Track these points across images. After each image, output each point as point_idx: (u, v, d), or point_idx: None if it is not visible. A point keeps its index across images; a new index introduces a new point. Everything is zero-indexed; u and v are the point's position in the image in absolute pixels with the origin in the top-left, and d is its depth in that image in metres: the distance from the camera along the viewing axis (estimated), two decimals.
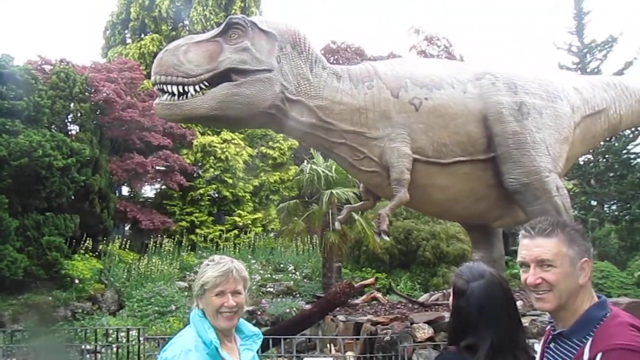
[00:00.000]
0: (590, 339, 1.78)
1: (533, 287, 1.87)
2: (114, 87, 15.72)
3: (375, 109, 6.40)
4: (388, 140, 6.37)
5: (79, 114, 15.22)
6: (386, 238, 6.29)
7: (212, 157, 18.35)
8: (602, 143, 15.56)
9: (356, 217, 12.94)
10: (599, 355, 1.70)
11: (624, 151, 17.81)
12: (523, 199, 6.73)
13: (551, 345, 1.92)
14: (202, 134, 19.34)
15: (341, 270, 14.15)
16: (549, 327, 2.02)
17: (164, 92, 5.81)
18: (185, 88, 5.76)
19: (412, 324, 6.74)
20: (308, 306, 10.30)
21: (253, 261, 15.66)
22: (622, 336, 1.72)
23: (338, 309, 8.47)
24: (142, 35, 23.24)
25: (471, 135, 6.70)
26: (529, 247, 1.90)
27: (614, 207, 18.51)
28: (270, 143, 20.07)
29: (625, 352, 1.67)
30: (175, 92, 5.75)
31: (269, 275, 15.13)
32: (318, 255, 15.34)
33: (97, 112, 15.67)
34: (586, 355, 1.75)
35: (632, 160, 17.72)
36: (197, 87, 5.79)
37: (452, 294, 2.15)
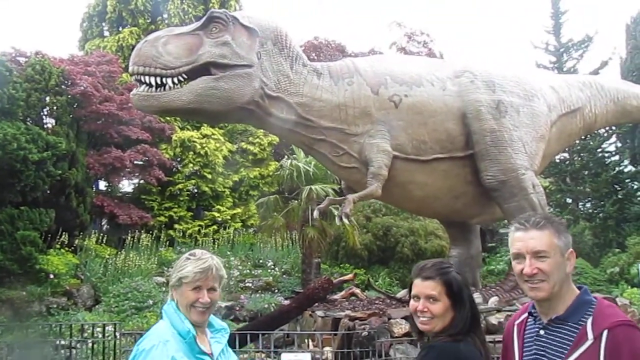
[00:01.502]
0: (590, 319, 1.92)
1: (529, 277, 1.98)
2: (91, 80, 15.49)
3: (355, 105, 6.41)
4: (368, 136, 6.39)
5: (55, 107, 15.00)
6: (347, 221, 6.33)
7: (191, 152, 18.22)
8: (577, 141, 15.82)
9: (335, 213, 12.93)
10: (605, 332, 1.85)
11: (599, 150, 18.14)
12: (500, 196, 6.82)
13: (541, 333, 2.01)
14: (182, 128, 19.18)
15: (320, 266, 14.17)
16: (520, 320, 2.15)
17: (141, 83, 5.77)
18: (164, 80, 5.71)
19: (389, 319, 6.80)
20: (287, 302, 10.30)
21: (232, 257, 15.60)
22: (619, 315, 1.92)
23: (317, 304, 8.49)
24: (120, 29, 22.94)
25: (450, 133, 6.76)
26: (524, 239, 2.00)
27: (588, 205, 18.86)
28: (251, 139, 19.99)
29: (628, 327, 1.86)
30: (153, 83, 5.71)
31: (248, 271, 15.10)
32: (297, 251, 15.35)
33: (74, 106, 15.43)
34: (590, 334, 1.88)
35: (606, 159, 18.07)
36: (175, 80, 5.75)
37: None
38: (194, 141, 18.27)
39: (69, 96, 15.13)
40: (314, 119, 6.31)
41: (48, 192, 13.46)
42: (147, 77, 5.70)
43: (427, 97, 6.63)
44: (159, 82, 5.71)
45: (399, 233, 14.81)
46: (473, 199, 7.13)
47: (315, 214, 7.14)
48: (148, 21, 22.49)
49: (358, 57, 11.07)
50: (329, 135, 6.41)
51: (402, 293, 8.54)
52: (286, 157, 14.30)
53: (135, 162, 16.70)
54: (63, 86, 15.24)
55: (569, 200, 18.65)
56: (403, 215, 15.26)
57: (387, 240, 14.91)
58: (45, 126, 14.87)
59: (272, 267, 15.57)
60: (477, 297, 6.69)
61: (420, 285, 2.24)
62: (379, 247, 14.99)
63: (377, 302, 8.51)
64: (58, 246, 13.17)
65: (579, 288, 2.04)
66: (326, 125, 6.36)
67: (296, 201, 13.51)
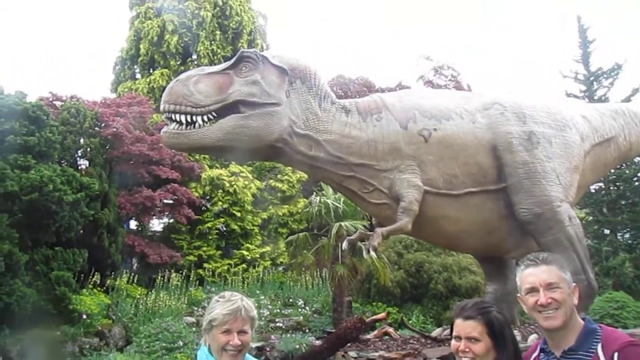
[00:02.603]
0: (599, 345, 2.11)
1: (543, 307, 2.17)
2: (123, 122, 15.94)
3: (384, 141, 6.39)
4: (397, 172, 6.34)
5: (88, 149, 15.41)
6: (374, 255, 6.22)
7: (220, 191, 18.42)
8: (612, 171, 15.46)
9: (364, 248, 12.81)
10: (615, 354, 2.04)
11: (635, 178, 17.67)
12: (536, 230, 6.64)
13: None
14: (211, 167, 19.47)
15: (352, 305, 13.97)
16: (533, 357, 2.32)
17: (172, 121, 5.83)
18: (194, 118, 5.76)
19: (425, 359, 6.60)
20: (318, 342, 10.14)
21: (262, 296, 15.51)
22: (624, 337, 2.14)
23: (349, 344, 8.32)
24: (151, 70, 23.68)
25: (481, 166, 6.66)
26: (536, 273, 2.22)
27: (627, 236, 18.27)
28: (279, 176, 20.15)
29: (634, 346, 2.07)
30: (184, 121, 5.76)
31: (278, 310, 14.97)
32: (328, 290, 15.19)
33: (107, 147, 15.85)
34: (602, 358, 2.07)
35: None
36: (205, 118, 5.79)
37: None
38: (222, 179, 18.48)
39: (102, 138, 15.57)
40: (343, 156, 6.29)
41: (81, 232, 13.71)
42: (177, 115, 5.78)
43: (457, 131, 6.57)
44: (189, 120, 5.78)
45: (432, 269, 14.56)
46: (508, 233, 6.96)
47: (344, 245, 7.06)
48: (179, 63, 23.18)
49: (385, 92, 11.16)
50: (358, 171, 6.38)
51: (437, 331, 8.32)
52: (315, 194, 14.32)
53: (165, 201, 16.96)
54: (96, 128, 15.72)
55: (607, 231, 18.12)
56: (436, 251, 15.03)
57: (419, 277, 14.66)
58: (79, 167, 15.27)
59: (303, 306, 15.41)
60: (516, 334, 6.48)
61: (461, 325, 2.23)
62: (412, 284, 14.74)
63: (411, 341, 8.29)
64: (90, 286, 13.32)
65: (582, 319, 2.25)
66: (355, 161, 6.34)
67: (326, 238, 13.45)
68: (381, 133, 6.40)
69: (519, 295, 2.48)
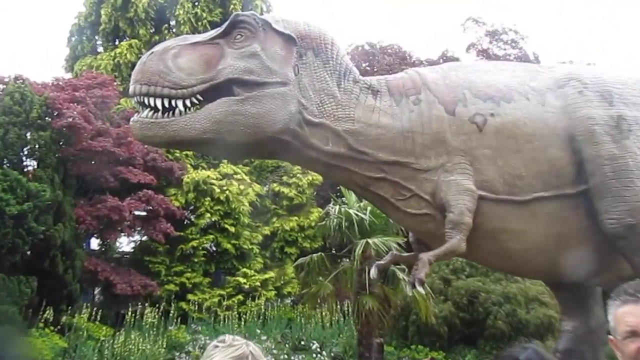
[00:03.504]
0: None
1: None
2: (80, 110, 16.07)
3: (424, 131, 6.38)
4: (443, 172, 6.32)
5: (37, 145, 15.57)
6: (422, 290, 6.21)
7: (208, 198, 18.51)
8: None
9: (401, 275, 12.82)
10: None
11: None
12: (628, 246, 6.57)
13: None
14: (195, 167, 19.58)
15: (383, 349, 13.95)
16: None
17: (144, 106, 5.81)
18: (173, 102, 5.75)
19: None
20: None
21: (264, 337, 15.55)
22: None
23: None
24: (117, 42, 23.94)
25: (554, 162, 6.62)
26: (637, 313, 2.18)
27: None
28: (285, 178, 20.20)
29: None
30: (160, 106, 5.75)
31: (286, 356, 14.99)
32: (351, 329, 15.18)
33: (60, 143, 16.02)
34: None
35: None
36: (188, 102, 5.78)
37: None
38: (211, 183, 18.57)
39: (54, 131, 15.71)
40: (370, 151, 6.29)
41: (29, 254, 13.85)
42: (152, 99, 5.78)
43: (521, 116, 6.54)
44: (167, 105, 5.77)
45: (490, 300, 14.50)
46: (590, 252, 6.91)
47: (373, 272, 7.06)
48: (151, 31, 23.45)
49: (425, 66, 11.10)
50: (390, 172, 6.37)
51: None
52: (332, 201, 14.32)
53: (137, 212, 17.06)
54: (47, 118, 15.87)
55: None
56: (494, 276, 14.97)
57: (473, 311, 14.61)
58: (25, 170, 15.42)
59: (319, 350, 15.43)
60: None
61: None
62: (463, 321, 14.68)
63: None
64: (41, 324, 13.44)
65: None
66: (386, 158, 6.33)
67: (348, 260, 13.44)
68: (420, 120, 6.40)
69: (611, 337, 2.45)
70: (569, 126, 6.57)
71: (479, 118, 6.44)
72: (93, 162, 16.60)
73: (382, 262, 6.86)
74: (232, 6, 22.98)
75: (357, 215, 13.00)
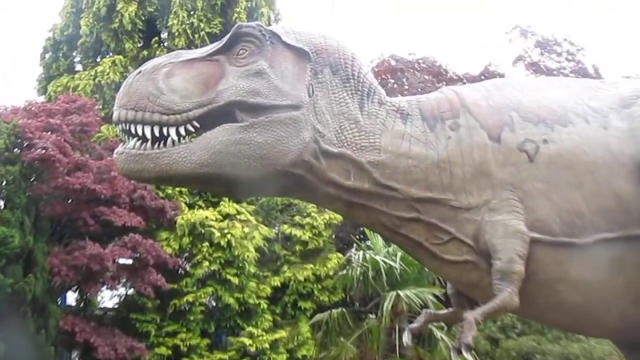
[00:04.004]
0: None
1: None
2: (55, 139, 16.21)
3: (464, 161, 6.35)
4: (487, 210, 6.28)
5: (4, 182, 15.64)
6: (469, 358, 6.13)
7: (206, 243, 18.51)
8: None
9: (439, 334, 12.71)
10: None
11: None
12: None
13: None
14: (191, 206, 19.62)
15: None
16: None
17: (130, 135, 5.77)
18: (165, 130, 5.71)
19: None
20: None
21: None
22: None
23: None
24: (98, 59, 24.10)
25: (621, 197, 6.56)
26: None
27: None
28: (297, 218, 20.18)
29: None
30: (149, 135, 5.70)
31: None
32: None
33: (31, 179, 16.11)
34: None
35: None
36: (182, 130, 5.75)
37: None
38: (209, 226, 18.60)
39: (25, 164, 15.81)
40: (399, 187, 6.27)
41: None
42: (139, 127, 5.75)
43: (580, 142, 6.51)
44: (157, 133, 5.74)
45: None
46: None
47: (406, 338, 6.98)
48: (139, 46, 23.67)
49: (464, 83, 11.09)
50: (424, 211, 6.34)
51: None
52: (355, 246, 14.29)
53: (122, 261, 17.05)
54: (16, 150, 16.00)
55: None
56: (552, 335, 14.84)
57: None
58: None
59: None
60: None
61: None
62: None
63: None
64: None
65: None
66: (419, 195, 6.30)
67: (374, 317, 13.36)
68: (459, 149, 6.38)
69: None
70: (637, 153, 6.52)
71: (530, 145, 6.41)
72: (70, 202, 16.69)
73: (415, 325, 6.77)
74: (234, 15, 23.19)
75: (384, 262, 12.94)
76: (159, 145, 5.71)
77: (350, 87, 6.30)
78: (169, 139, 5.68)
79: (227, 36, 6.08)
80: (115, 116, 5.84)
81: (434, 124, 6.47)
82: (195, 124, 5.77)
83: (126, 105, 5.70)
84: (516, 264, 6.14)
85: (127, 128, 5.72)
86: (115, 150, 5.98)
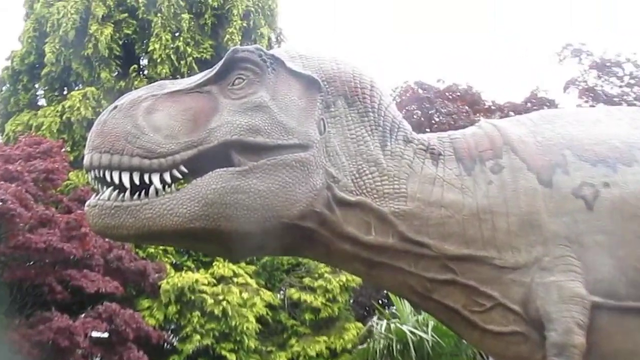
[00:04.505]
0: None
1: None
2: (15, 190, 16.20)
3: (509, 210, 6.32)
4: (538, 270, 6.24)
5: None
6: None
7: (197, 313, 18.44)
8: None
9: None
10: None
11: None
12: None
13: None
14: (178, 267, 19.61)
15: None
16: None
17: (106, 183, 5.71)
18: (147, 177, 5.66)
19: None
20: None
21: None
22: None
23: None
24: (66, 91, 24.28)
25: None
26: None
27: None
28: (307, 281, 20.14)
29: None
30: (127, 184, 5.63)
31: None
32: None
33: None
34: None
35: None
36: (167, 176, 5.69)
37: None
38: (201, 291, 18.55)
39: None
40: (431, 242, 6.23)
41: None
42: (116, 174, 5.68)
43: None
44: (137, 181, 5.70)
45: None
46: None
47: None
48: (115, 75, 23.80)
49: (506, 115, 11.08)
50: (461, 271, 6.29)
51: None
52: (377, 314, 14.22)
53: (95, 335, 16.96)
54: None
55: None
56: None
57: None
58: None
59: None
60: None
61: None
62: None
63: None
64: None
65: None
66: (455, 252, 6.26)
67: None
68: (503, 196, 6.35)
69: None
70: None
71: (588, 190, 6.37)
72: (33, 264, 16.65)
73: None
74: (226, 36, 23.35)
75: (413, 333, 12.88)
76: (139, 195, 5.63)
77: (369, 122, 6.28)
78: (152, 188, 5.61)
79: (220, 62, 6.04)
80: (86, 161, 5.75)
81: (471, 166, 6.44)
82: (183, 169, 5.70)
83: (100, 147, 5.64)
84: (575, 335, 6.07)
85: (101, 175, 5.66)
86: (87, 203, 5.86)
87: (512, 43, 76.31)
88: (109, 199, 5.63)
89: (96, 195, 5.76)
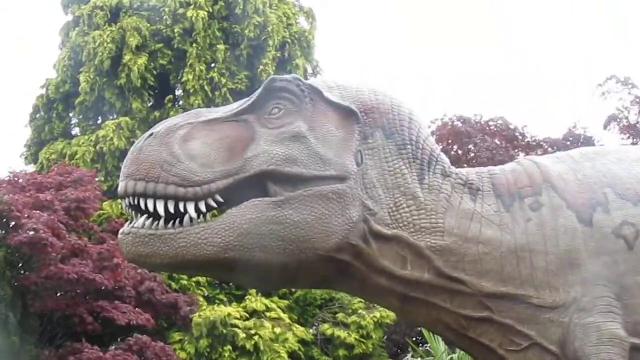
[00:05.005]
0: None
1: None
2: (47, 219, 16.28)
3: (547, 249, 6.28)
4: (577, 310, 6.18)
5: None
6: None
7: (228, 347, 18.45)
8: None
9: None
10: None
11: None
12: None
13: None
14: (210, 300, 19.62)
15: None
16: None
17: (140, 211, 5.65)
18: (181, 205, 5.64)
19: None
20: None
21: None
22: None
23: None
24: (100, 120, 24.40)
25: None
26: None
27: None
28: (341, 316, 20.10)
29: None
30: (162, 212, 5.61)
31: None
32: None
33: (18, 266, 16.16)
34: None
35: None
36: (202, 205, 5.66)
37: None
38: (233, 325, 18.55)
39: (9, 249, 15.92)
40: (467, 279, 6.19)
41: None
42: (150, 201, 5.65)
43: None
44: (172, 209, 5.68)
45: None
46: None
47: None
48: (149, 105, 23.95)
49: (545, 152, 11.07)
50: (498, 309, 6.25)
51: None
52: (411, 351, 14.15)
53: None
54: (0, 231, 16.08)
55: None
56: None
57: None
58: None
59: None
60: None
61: None
62: None
63: None
64: None
65: None
66: (492, 289, 6.22)
67: None
68: (541, 234, 6.31)
69: None
70: None
71: (628, 230, 6.32)
72: (64, 295, 16.69)
73: None
74: (261, 67, 23.40)
75: None
76: (173, 224, 5.61)
77: (407, 155, 6.26)
78: (187, 217, 5.60)
79: (258, 91, 6.01)
80: (121, 188, 5.73)
81: (510, 203, 6.40)
82: (219, 198, 5.68)
83: (134, 174, 5.64)
84: None
85: (135, 203, 5.65)
86: (121, 230, 5.81)
87: (523, 58, 78.25)
88: (143, 227, 5.60)
89: (130, 222, 5.67)
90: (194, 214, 5.62)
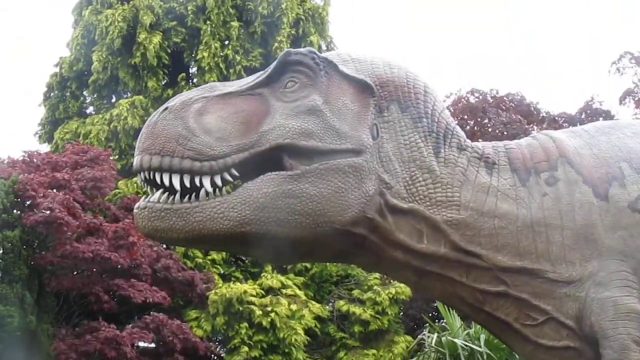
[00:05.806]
0: None
1: None
2: (62, 198, 16.36)
3: (563, 223, 6.25)
4: (593, 285, 6.16)
5: (1, 251, 15.75)
6: None
7: (245, 324, 18.50)
8: None
9: None
10: None
11: None
12: None
13: None
14: (226, 278, 19.66)
15: None
16: None
17: (156, 186, 5.62)
18: (197, 180, 5.59)
19: None
20: None
21: None
22: None
23: None
24: (114, 99, 24.42)
25: None
26: None
27: None
28: (357, 293, 20.11)
29: None
30: (178, 186, 5.54)
31: None
32: None
33: (34, 246, 16.22)
34: None
35: None
36: (218, 179, 5.61)
37: None
38: (249, 302, 18.60)
39: (25, 229, 16.02)
40: (483, 253, 6.17)
41: None
42: (166, 176, 5.58)
43: None
44: (188, 184, 5.64)
45: None
46: None
47: None
48: (163, 83, 23.93)
49: (561, 126, 11.04)
50: (514, 283, 6.23)
51: None
52: (428, 327, 14.14)
53: (142, 344, 17.04)
54: (15, 211, 16.21)
55: None
56: None
57: None
58: None
59: None
60: None
61: None
62: None
63: None
64: None
65: None
66: (508, 264, 6.20)
67: None
68: (557, 209, 6.29)
69: None
70: None
71: None
72: (80, 273, 16.78)
73: None
74: (275, 44, 23.37)
75: (465, 346, 12.73)
76: (189, 198, 5.61)
77: (422, 128, 6.23)
78: (202, 191, 5.58)
79: (273, 65, 5.94)
80: (136, 163, 5.72)
81: (526, 177, 6.37)
82: (234, 172, 5.65)
83: (150, 149, 5.62)
84: (632, 352, 5.98)
85: (151, 177, 5.63)
86: (136, 205, 5.82)
87: (530, 39, 78.55)
88: (158, 202, 5.60)
89: (145, 197, 5.75)
90: (209, 188, 5.59)
